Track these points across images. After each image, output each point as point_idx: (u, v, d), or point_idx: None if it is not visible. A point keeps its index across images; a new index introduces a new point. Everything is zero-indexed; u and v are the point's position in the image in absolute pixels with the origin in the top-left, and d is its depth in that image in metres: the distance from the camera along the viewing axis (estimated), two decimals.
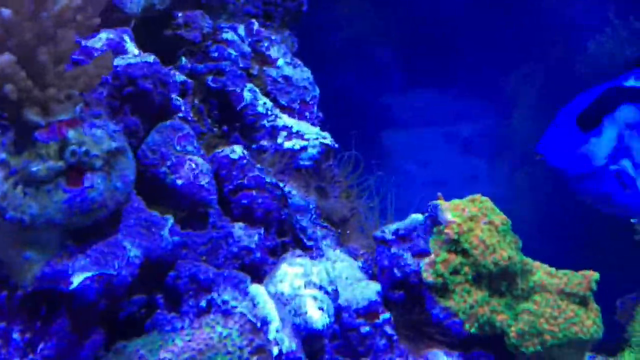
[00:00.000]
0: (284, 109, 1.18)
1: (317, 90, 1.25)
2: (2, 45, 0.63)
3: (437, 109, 2.34)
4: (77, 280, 0.67)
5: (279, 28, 1.38)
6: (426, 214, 0.92)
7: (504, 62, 2.18)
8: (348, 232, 1.02)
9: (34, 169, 0.65)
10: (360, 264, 0.96)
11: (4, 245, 0.67)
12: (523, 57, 2.21)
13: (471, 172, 2.33)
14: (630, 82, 0.86)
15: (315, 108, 1.23)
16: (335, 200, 1.05)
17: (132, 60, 0.85)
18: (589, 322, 0.86)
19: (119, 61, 0.86)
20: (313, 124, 1.20)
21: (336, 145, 1.08)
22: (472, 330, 0.86)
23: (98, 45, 0.90)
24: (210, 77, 1.09)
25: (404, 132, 2.33)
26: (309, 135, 1.06)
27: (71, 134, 0.67)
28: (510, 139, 2.26)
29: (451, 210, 0.90)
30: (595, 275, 0.89)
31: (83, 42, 0.84)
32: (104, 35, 0.92)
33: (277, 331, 0.74)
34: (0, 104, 0.65)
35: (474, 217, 0.89)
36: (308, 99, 1.22)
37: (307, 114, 1.21)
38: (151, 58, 0.86)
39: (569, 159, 0.89)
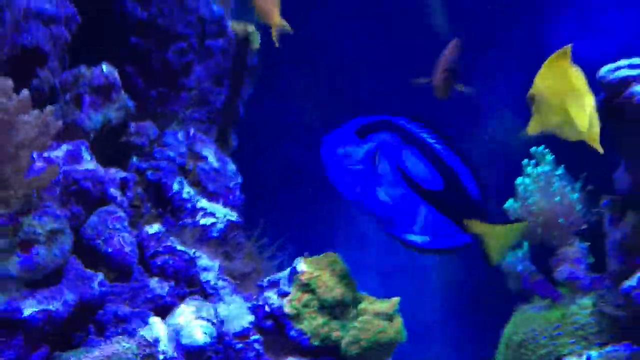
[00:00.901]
0: (211, 194, 1.56)
1: (240, 178, 1.63)
2: None
3: None
4: (27, 312, 1.04)
5: (224, 128, 1.79)
6: (290, 268, 1.28)
7: None
8: (246, 283, 1.37)
9: None
10: (250, 305, 1.30)
11: None
12: None
13: None
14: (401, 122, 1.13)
15: (238, 192, 1.61)
16: (239, 261, 1.41)
17: (79, 167, 1.23)
18: (391, 331, 1.21)
19: (72, 167, 1.25)
20: (235, 205, 1.58)
21: (240, 220, 1.45)
22: (316, 343, 1.21)
23: (59, 154, 1.29)
24: (150, 172, 1.48)
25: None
26: (219, 214, 1.43)
27: (24, 219, 1.05)
28: None
29: (306, 263, 1.25)
30: (397, 299, 1.24)
31: (46, 154, 1.23)
32: (64, 147, 1.30)
33: (164, 346, 1.09)
34: None
35: (321, 268, 1.24)
36: (231, 185, 1.60)
37: (230, 197, 1.59)
38: (92, 165, 1.25)
39: (336, 155, 1.15)
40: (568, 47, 1.15)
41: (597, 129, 1.13)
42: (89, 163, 1.29)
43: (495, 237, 1.13)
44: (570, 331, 1.66)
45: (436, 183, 1.13)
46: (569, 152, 1.51)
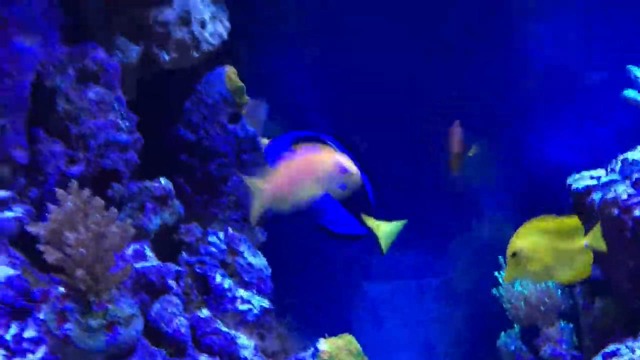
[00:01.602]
0: (246, 284, 1.84)
1: (269, 270, 1.91)
2: (76, 263, 1.31)
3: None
4: None
5: (250, 230, 2.08)
6: (313, 348, 1.54)
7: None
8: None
9: (91, 323, 1.30)
10: None
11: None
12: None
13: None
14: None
15: (268, 281, 1.89)
16: (271, 341, 1.67)
17: (147, 264, 1.52)
18: None
19: (140, 263, 1.54)
20: (266, 292, 1.85)
21: (271, 307, 1.72)
22: None
23: (129, 252, 1.58)
24: (197, 266, 1.76)
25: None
26: (254, 302, 1.70)
27: (110, 307, 1.33)
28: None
29: (326, 344, 1.51)
30: None
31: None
32: (132, 246, 1.60)
33: None
34: (75, 291, 1.32)
35: (339, 347, 1.50)
36: (263, 276, 1.88)
37: (262, 286, 1.86)
38: (155, 261, 1.54)
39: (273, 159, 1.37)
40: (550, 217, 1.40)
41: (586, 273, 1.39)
42: (152, 260, 1.59)
43: (382, 230, 1.40)
44: None
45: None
46: None
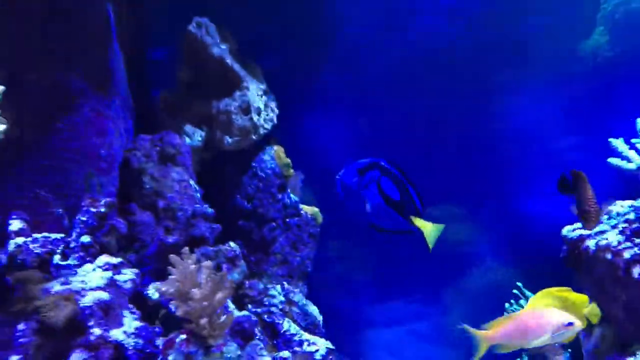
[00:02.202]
0: (304, 329, 2.11)
1: (321, 317, 2.19)
2: (200, 314, 1.57)
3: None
4: None
5: (298, 281, 2.36)
6: None
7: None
8: None
9: None
10: None
11: None
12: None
13: None
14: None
15: (321, 326, 2.16)
16: None
17: (237, 314, 1.79)
18: None
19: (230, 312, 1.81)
20: (322, 336, 2.13)
21: (334, 347, 2.00)
22: None
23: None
24: (265, 316, 2.03)
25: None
26: (319, 344, 1.97)
27: (224, 348, 1.59)
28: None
29: None
30: None
31: None
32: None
33: None
34: (198, 337, 1.58)
35: None
36: (317, 322, 2.16)
37: (317, 330, 2.14)
38: (238, 313, 1.81)
39: (347, 190, 1.66)
40: None
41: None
42: (235, 311, 1.85)
43: (428, 229, 1.70)
44: None
45: (396, 197, 1.69)
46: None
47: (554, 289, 1.74)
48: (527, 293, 2.46)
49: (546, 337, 1.59)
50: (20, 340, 1.53)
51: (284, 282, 2.21)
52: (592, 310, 1.78)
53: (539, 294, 1.73)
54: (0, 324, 1.58)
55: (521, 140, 2.85)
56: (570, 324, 1.59)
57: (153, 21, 2.35)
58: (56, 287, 1.61)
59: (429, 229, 1.73)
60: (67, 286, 1.61)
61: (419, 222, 1.71)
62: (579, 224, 2.23)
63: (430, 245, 1.74)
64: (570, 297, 1.73)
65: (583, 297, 1.76)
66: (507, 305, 2.49)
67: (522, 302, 2.45)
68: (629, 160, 2.03)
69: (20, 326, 1.55)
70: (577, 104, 2.85)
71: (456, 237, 2.94)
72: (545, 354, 2.34)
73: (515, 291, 2.47)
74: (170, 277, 1.62)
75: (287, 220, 2.34)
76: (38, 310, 1.57)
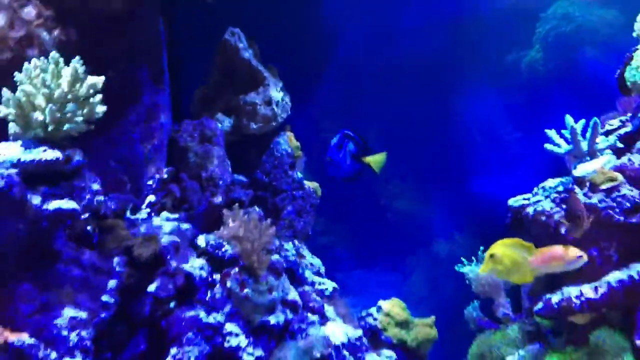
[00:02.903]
0: (313, 274, 2.57)
1: (323, 267, 2.65)
2: (251, 253, 2.01)
3: None
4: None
5: (301, 242, 2.80)
6: (377, 306, 2.29)
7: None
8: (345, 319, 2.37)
9: (260, 288, 2.00)
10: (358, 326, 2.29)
11: None
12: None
13: None
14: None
15: (324, 274, 2.62)
16: (339, 307, 2.40)
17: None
18: (432, 333, 2.22)
19: None
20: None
21: (337, 287, 2.46)
22: (395, 341, 2.20)
23: None
24: (284, 263, 2.48)
25: None
26: (327, 284, 2.43)
27: (268, 279, 2.04)
28: None
29: (386, 303, 2.27)
30: (433, 318, 2.26)
31: None
32: None
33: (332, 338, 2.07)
34: (249, 270, 2.02)
35: (393, 305, 2.27)
36: (321, 270, 2.61)
37: (321, 277, 2.60)
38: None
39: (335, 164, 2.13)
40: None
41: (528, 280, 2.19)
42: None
43: (373, 159, 2.15)
44: (508, 342, 2.71)
45: (355, 151, 2.15)
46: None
47: (510, 239, 2.21)
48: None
49: (564, 265, 2.00)
50: (117, 269, 1.94)
51: (296, 241, 2.66)
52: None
53: (500, 241, 2.20)
54: (98, 259, 1.97)
55: (475, 133, 3.39)
56: (580, 256, 1.98)
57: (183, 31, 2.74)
58: (142, 230, 2.03)
59: (375, 158, 2.21)
60: (152, 229, 2.03)
61: (368, 159, 2.21)
62: (521, 196, 2.78)
63: (377, 171, 2.24)
64: (522, 243, 2.21)
65: (530, 244, 2.24)
66: (460, 265, 3.00)
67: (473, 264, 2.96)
68: (559, 146, 2.57)
69: (115, 260, 1.95)
70: (518, 107, 3.40)
71: (422, 212, 3.45)
72: (492, 298, 2.87)
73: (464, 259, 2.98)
74: (227, 225, 2.06)
75: (294, 192, 2.79)
76: (128, 248, 1.97)
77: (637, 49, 2.46)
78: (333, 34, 2.92)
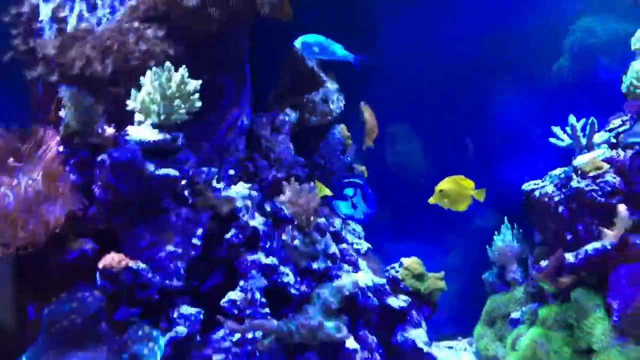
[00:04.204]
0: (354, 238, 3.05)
1: (364, 232, 3.11)
2: (302, 214, 2.51)
3: None
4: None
5: None
6: (399, 262, 2.73)
7: None
8: (375, 271, 2.82)
9: (306, 240, 2.51)
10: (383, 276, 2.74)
11: None
12: None
13: None
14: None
15: (364, 237, 3.09)
16: (371, 263, 2.87)
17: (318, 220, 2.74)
18: (442, 284, 2.62)
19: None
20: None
21: (371, 247, 2.92)
22: (411, 289, 2.64)
23: None
24: (331, 227, 2.97)
25: None
26: (363, 245, 2.90)
27: (313, 235, 2.54)
28: None
29: (406, 260, 2.71)
30: (443, 273, 2.68)
31: None
32: None
33: (361, 282, 2.54)
34: (300, 227, 2.52)
35: (412, 262, 2.70)
36: (361, 235, 3.08)
37: (361, 238, 3.07)
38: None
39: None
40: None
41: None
42: None
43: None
44: (514, 302, 3.08)
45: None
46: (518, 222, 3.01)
47: (454, 177, 2.55)
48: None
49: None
50: (203, 221, 2.50)
51: None
52: (478, 193, 2.55)
53: (447, 179, 2.54)
54: (191, 214, 2.54)
55: (507, 129, 3.70)
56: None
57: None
58: (223, 194, 2.58)
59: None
60: (229, 194, 2.58)
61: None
62: (533, 182, 3.12)
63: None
64: (462, 180, 2.55)
65: (471, 182, 2.55)
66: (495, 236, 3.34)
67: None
68: (562, 140, 2.89)
69: (203, 214, 2.52)
70: (546, 108, 3.68)
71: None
72: (505, 265, 3.23)
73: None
74: (284, 193, 2.57)
75: (345, 173, 3.27)
76: (213, 207, 2.53)
77: (635, 61, 2.74)
78: (381, 44, 3.35)
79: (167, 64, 2.40)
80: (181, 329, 2.30)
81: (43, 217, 2.15)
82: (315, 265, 2.50)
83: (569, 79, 3.51)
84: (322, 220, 2.69)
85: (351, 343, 2.39)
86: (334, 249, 2.68)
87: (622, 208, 2.44)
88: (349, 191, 2.30)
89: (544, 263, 2.63)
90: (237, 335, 2.34)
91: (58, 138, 2.39)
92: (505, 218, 3.28)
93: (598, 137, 2.82)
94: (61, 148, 2.39)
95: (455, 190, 2.43)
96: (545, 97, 3.66)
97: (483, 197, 2.47)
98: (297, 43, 2.32)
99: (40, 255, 2.21)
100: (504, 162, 3.67)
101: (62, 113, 2.43)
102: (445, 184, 2.44)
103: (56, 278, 2.28)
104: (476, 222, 3.73)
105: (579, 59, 3.50)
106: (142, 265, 2.29)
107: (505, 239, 3.18)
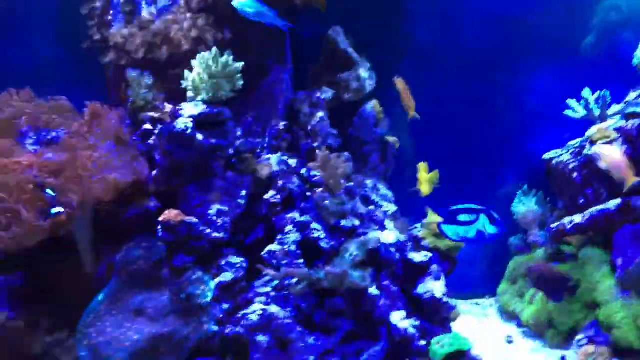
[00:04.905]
0: (384, 201, 3.30)
1: (393, 197, 3.36)
2: (330, 179, 2.80)
3: None
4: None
5: (382, 180, 3.52)
6: (421, 223, 2.97)
7: None
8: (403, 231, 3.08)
9: (335, 201, 2.79)
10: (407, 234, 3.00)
11: None
12: None
13: None
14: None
15: (394, 202, 3.34)
16: (399, 224, 3.12)
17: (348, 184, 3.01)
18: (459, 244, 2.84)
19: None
20: (395, 204, 3.31)
21: (398, 210, 3.18)
22: (432, 246, 2.88)
23: None
24: (362, 191, 3.23)
25: None
26: (391, 208, 3.16)
27: (343, 196, 2.82)
28: None
29: (427, 221, 2.95)
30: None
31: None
32: None
33: (385, 239, 2.81)
34: (329, 189, 2.81)
35: (432, 220, 2.94)
36: (391, 199, 3.33)
37: (392, 203, 3.32)
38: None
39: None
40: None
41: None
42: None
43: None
44: (535, 261, 3.26)
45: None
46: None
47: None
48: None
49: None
50: (246, 184, 2.83)
51: (374, 178, 3.39)
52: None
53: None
54: (236, 177, 2.88)
55: (533, 105, 3.83)
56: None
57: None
58: (264, 160, 2.90)
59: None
60: (268, 161, 2.89)
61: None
62: (554, 151, 3.26)
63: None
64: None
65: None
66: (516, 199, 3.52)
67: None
68: (577, 112, 3.03)
69: (246, 178, 2.85)
70: (575, 83, 3.79)
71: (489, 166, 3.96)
72: (527, 229, 3.40)
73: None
74: (317, 160, 2.86)
75: (376, 144, 3.51)
76: (254, 171, 2.86)
77: None
78: (410, 28, 3.56)
79: (214, 48, 2.73)
80: (228, 275, 2.64)
81: (113, 178, 2.54)
82: (343, 223, 2.78)
83: (595, 55, 3.60)
84: (352, 184, 2.96)
85: (373, 290, 2.66)
86: (363, 210, 2.95)
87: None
88: (465, 217, 2.35)
89: (553, 225, 2.81)
90: (275, 282, 2.67)
91: (126, 113, 2.78)
92: (526, 185, 3.44)
93: (613, 109, 2.94)
94: (129, 122, 2.78)
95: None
96: (573, 73, 3.76)
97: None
98: (236, 4, 2.56)
99: (113, 211, 2.61)
100: (532, 135, 3.81)
101: (129, 92, 2.81)
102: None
103: (125, 230, 2.68)
104: (508, 189, 3.87)
105: (605, 35, 3.58)
106: (194, 220, 2.64)
107: (527, 204, 3.35)
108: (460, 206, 2.32)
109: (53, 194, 2.34)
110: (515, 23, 3.65)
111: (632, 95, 3.01)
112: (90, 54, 3.08)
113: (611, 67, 3.52)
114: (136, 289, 2.62)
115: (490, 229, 2.22)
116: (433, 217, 2.29)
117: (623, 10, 3.43)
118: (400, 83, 3.05)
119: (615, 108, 2.93)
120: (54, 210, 2.31)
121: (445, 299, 2.79)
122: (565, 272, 2.68)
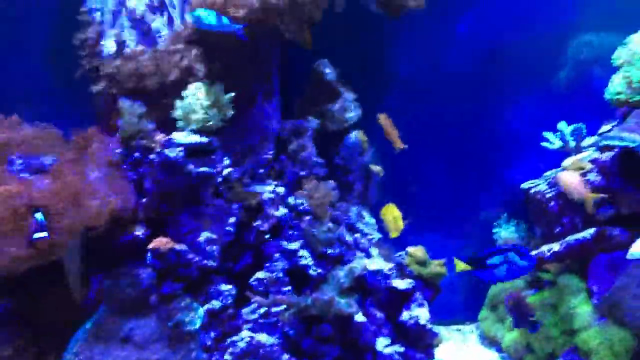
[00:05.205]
0: (367, 228, 3.36)
1: (377, 226, 3.42)
2: (317, 207, 2.85)
3: None
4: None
5: (366, 207, 3.59)
6: (404, 251, 3.03)
7: None
8: (387, 258, 3.13)
9: (323, 228, 2.84)
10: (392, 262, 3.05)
11: None
12: None
13: None
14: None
15: (377, 229, 3.40)
16: (383, 251, 3.18)
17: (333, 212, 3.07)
18: (443, 270, 2.88)
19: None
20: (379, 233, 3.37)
21: (382, 236, 3.24)
22: (415, 274, 2.93)
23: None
24: (347, 219, 3.29)
25: None
26: (375, 235, 3.22)
27: (327, 224, 2.87)
28: None
29: (411, 249, 3.00)
30: (444, 260, 2.96)
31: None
32: None
33: (371, 264, 2.85)
34: (317, 216, 2.86)
35: (417, 250, 2.99)
36: (375, 227, 3.39)
37: (375, 230, 3.38)
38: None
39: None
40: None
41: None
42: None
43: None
44: (514, 289, 3.33)
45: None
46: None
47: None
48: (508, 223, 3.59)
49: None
50: (235, 212, 2.87)
51: (358, 206, 3.45)
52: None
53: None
54: (225, 205, 2.91)
55: (512, 131, 3.94)
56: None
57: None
58: (251, 189, 2.94)
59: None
60: (257, 189, 2.94)
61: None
62: (531, 181, 3.37)
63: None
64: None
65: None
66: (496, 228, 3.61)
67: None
68: (552, 144, 3.14)
69: (235, 205, 2.88)
70: (548, 113, 3.91)
71: (471, 193, 4.05)
72: None
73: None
74: (304, 188, 2.91)
75: (360, 172, 3.58)
76: (243, 199, 2.90)
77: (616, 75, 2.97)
78: (395, 59, 3.67)
79: (204, 81, 2.79)
80: (216, 303, 2.66)
81: (102, 205, 2.55)
82: (330, 251, 2.83)
83: (568, 88, 3.74)
84: (337, 212, 3.01)
85: (360, 317, 2.70)
86: (348, 238, 3.01)
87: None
88: (496, 259, 2.41)
89: (534, 252, 2.89)
90: (263, 309, 2.69)
91: (117, 141, 2.80)
92: (506, 214, 3.53)
93: (587, 141, 3.06)
94: (119, 150, 2.80)
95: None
96: (550, 105, 3.89)
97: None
98: (189, 17, 2.62)
99: (102, 237, 2.61)
100: (511, 164, 3.91)
101: (119, 121, 2.84)
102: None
103: (114, 257, 2.68)
104: (489, 217, 3.94)
105: (577, 70, 3.72)
106: (184, 247, 2.66)
107: (507, 231, 3.43)
108: (486, 252, 2.37)
109: (42, 220, 2.34)
110: (494, 56, 3.78)
111: (605, 128, 3.13)
112: (80, 81, 3.11)
113: (585, 99, 3.66)
114: (124, 316, 2.62)
115: (522, 263, 2.30)
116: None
117: (594, 46, 3.58)
118: (383, 118, 3.14)
119: (589, 140, 3.04)
120: (36, 235, 2.31)
121: (429, 326, 2.83)
122: (532, 305, 2.74)
